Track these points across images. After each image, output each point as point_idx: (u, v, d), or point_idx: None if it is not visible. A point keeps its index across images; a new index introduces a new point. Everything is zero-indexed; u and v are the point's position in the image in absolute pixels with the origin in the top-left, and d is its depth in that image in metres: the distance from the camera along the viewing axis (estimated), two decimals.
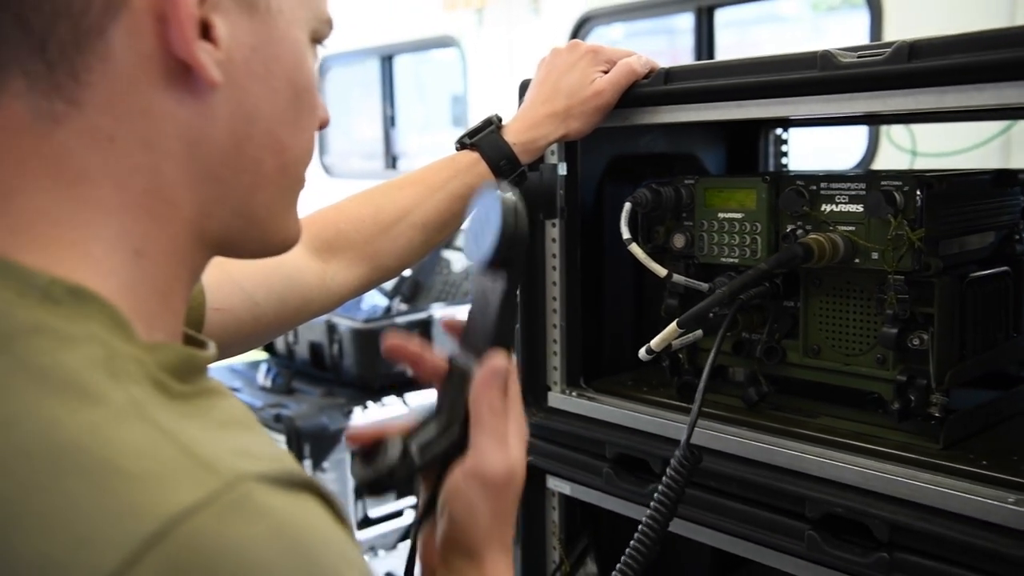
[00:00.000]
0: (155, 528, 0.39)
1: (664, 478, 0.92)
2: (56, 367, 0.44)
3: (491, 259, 0.63)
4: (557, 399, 1.21)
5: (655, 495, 0.92)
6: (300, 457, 2.61)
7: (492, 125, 1.06)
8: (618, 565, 0.90)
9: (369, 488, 0.63)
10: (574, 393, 1.19)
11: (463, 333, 0.68)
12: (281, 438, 2.59)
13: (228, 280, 0.88)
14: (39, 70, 0.48)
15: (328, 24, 0.61)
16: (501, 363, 0.64)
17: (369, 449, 0.65)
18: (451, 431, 0.64)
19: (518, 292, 0.65)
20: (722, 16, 3.40)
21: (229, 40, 0.51)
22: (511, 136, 1.05)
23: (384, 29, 4.60)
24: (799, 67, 0.89)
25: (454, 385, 0.67)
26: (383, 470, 0.62)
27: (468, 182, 1.04)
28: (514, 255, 0.64)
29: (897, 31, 2.56)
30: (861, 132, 2.68)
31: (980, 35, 0.77)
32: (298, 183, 0.60)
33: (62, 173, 0.49)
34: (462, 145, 1.07)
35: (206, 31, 0.50)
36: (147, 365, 0.47)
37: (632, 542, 0.90)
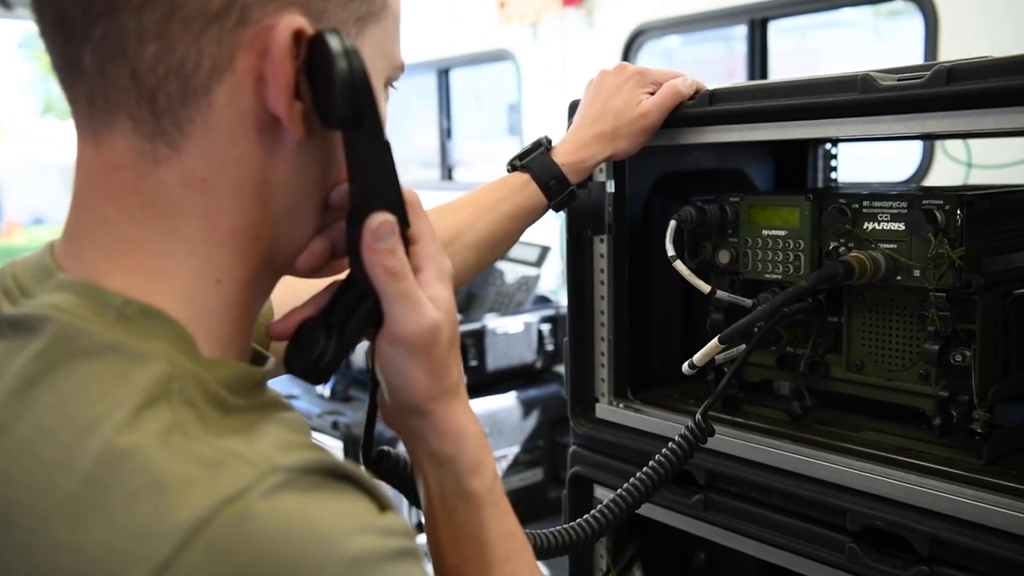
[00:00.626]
0: (199, 517, 0.44)
1: (668, 444, 0.97)
2: (126, 383, 0.49)
3: (342, 117, 0.56)
4: (604, 410, 1.23)
5: (658, 454, 0.97)
6: (356, 463, 2.66)
7: (541, 147, 1.10)
8: (599, 506, 0.95)
9: (305, 376, 0.61)
10: (621, 405, 1.22)
11: (351, 202, 0.62)
12: (338, 444, 2.66)
13: (295, 299, 0.93)
14: (146, 117, 0.53)
15: (401, 69, 0.65)
16: (378, 222, 0.58)
17: (296, 337, 0.63)
18: (366, 302, 0.60)
19: (385, 140, 0.59)
20: (781, 22, 3.39)
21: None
22: (560, 157, 1.09)
23: (441, 43, 4.68)
24: (840, 89, 0.91)
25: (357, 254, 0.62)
26: (313, 355, 0.61)
27: (519, 203, 1.08)
28: (362, 104, 0.57)
29: (952, 38, 2.54)
30: (916, 144, 2.65)
31: (1018, 59, 0.79)
32: None
33: (157, 208, 0.54)
34: (513, 167, 1.11)
35: (297, 88, 0.55)
36: (207, 382, 0.52)
37: (618, 491, 0.96)
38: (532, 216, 1.11)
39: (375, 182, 0.59)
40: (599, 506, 0.97)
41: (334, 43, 0.55)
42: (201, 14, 0.52)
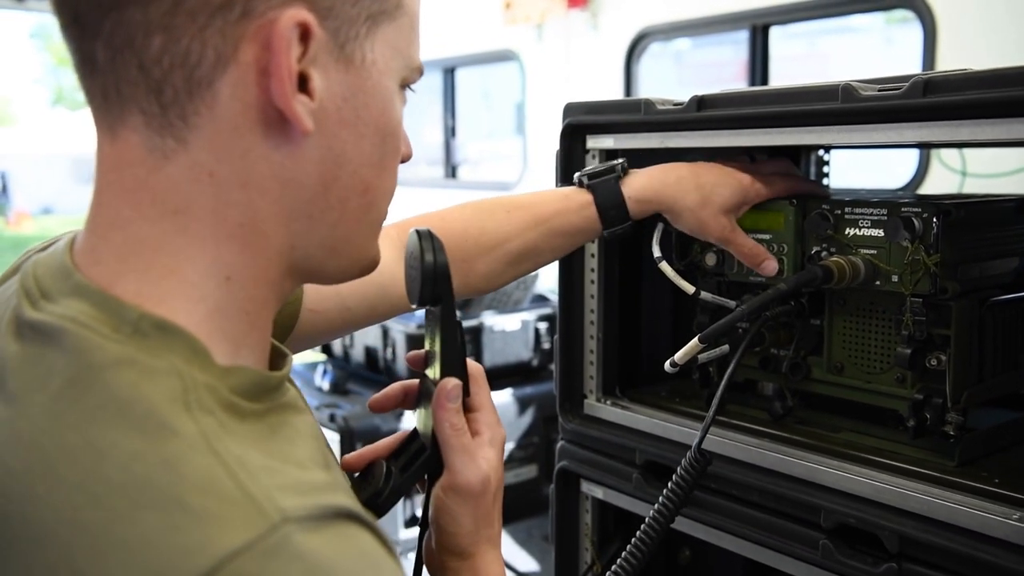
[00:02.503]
0: (209, 566, 0.45)
1: (672, 478, 0.98)
2: (139, 400, 0.50)
3: (421, 298, 0.70)
4: (592, 407, 1.26)
5: (662, 494, 0.98)
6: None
7: (615, 172, 1.07)
8: (618, 560, 0.95)
9: (366, 506, 0.67)
10: (608, 402, 1.25)
11: (424, 360, 0.76)
12: (335, 437, 2.69)
13: (335, 294, 0.94)
14: (154, 110, 0.55)
15: (419, 71, 0.65)
16: (450, 386, 0.71)
17: (365, 471, 0.75)
18: (426, 452, 0.72)
19: (456, 319, 0.73)
20: (790, 27, 3.40)
21: (324, 91, 0.57)
22: (629, 190, 1.06)
23: (447, 43, 4.71)
24: (823, 98, 0.94)
25: (423, 408, 0.75)
26: (372, 493, 0.71)
27: (573, 221, 1.06)
28: (440, 290, 0.70)
29: (950, 47, 2.56)
30: (913, 151, 2.67)
31: (992, 73, 0.81)
32: (380, 218, 0.66)
33: (166, 204, 0.56)
34: (580, 183, 1.08)
35: (304, 83, 0.56)
36: (220, 391, 0.53)
37: (634, 539, 0.96)
38: (582, 238, 1.09)
39: (446, 353, 0.72)
40: (622, 555, 0.99)
41: (424, 239, 0.69)
42: (206, 6, 0.53)
